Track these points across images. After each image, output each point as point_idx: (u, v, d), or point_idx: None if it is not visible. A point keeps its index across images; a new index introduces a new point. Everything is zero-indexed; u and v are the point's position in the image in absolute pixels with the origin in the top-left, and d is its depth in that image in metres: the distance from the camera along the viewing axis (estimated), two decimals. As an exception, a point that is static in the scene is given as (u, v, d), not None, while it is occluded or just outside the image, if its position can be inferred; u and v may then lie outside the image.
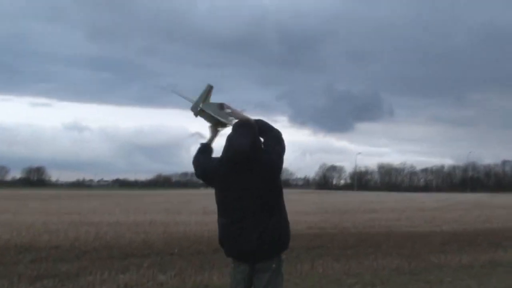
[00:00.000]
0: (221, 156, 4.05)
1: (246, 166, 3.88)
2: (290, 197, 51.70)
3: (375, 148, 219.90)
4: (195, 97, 4.49)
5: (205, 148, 4.41)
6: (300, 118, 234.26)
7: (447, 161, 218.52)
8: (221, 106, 4.53)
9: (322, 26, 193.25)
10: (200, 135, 4.85)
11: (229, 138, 3.99)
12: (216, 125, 4.53)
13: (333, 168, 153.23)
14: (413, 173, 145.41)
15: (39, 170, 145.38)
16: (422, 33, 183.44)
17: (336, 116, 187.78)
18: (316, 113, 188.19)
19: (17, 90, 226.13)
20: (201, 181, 4.34)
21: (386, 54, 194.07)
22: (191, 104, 4.47)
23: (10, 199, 43.02)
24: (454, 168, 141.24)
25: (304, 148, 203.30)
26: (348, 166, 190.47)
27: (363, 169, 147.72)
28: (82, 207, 29.66)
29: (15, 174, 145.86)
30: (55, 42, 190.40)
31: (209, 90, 4.43)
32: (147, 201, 40.07)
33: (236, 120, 4.37)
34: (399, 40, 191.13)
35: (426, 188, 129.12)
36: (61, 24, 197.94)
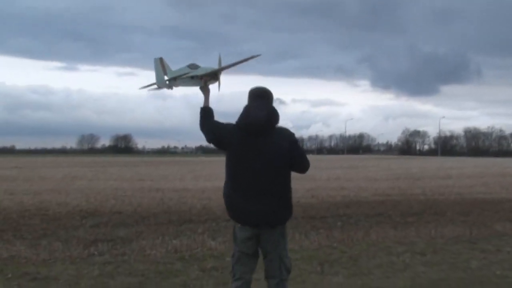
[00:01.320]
0: (237, 122, 4.12)
1: (261, 137, 4.02)
2: (365, 163, 51.96)
3: (461, 112, 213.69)
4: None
5: (207, 111, 4.45)
6: (382, 82, 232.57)
7: None
8: (193, 66, 4.67)
9: None
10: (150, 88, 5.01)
11: (246, 108, 4.12)
12: (203, 84, 4.59)
13: (416, 133, 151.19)
14: (502, 137, 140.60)
15: (126, 138, 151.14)
16: None
17: (420, 79, 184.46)
18: (399, 77, 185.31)
19: (103, 61, 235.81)
20: (212, 146, 4.39)
21: (474, 11, 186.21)
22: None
23: (92, 166, 44.93)
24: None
25: (387, 113, 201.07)
26: (432, 131, 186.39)
27: (448, 133, 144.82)
28: (157, 174, 30.52)
29: (105, 141, 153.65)
30: (136, 13, 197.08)
31: (160, 62, 4.53)
32: (223, 167, 40.86)
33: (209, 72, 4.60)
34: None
35: None
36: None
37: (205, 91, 4.64)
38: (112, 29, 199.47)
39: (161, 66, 4.54)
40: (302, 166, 4.25)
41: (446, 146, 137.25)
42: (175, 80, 4.59)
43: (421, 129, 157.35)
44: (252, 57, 4.70)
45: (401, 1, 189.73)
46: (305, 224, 10.41)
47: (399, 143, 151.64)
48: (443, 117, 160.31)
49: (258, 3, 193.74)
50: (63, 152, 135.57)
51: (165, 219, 11.25)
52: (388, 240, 8.88)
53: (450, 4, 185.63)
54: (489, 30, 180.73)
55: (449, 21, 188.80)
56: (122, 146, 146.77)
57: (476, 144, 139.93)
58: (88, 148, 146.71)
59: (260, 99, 4.15)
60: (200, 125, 4.41)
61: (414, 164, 50.51)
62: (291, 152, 4.10)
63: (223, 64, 4.86)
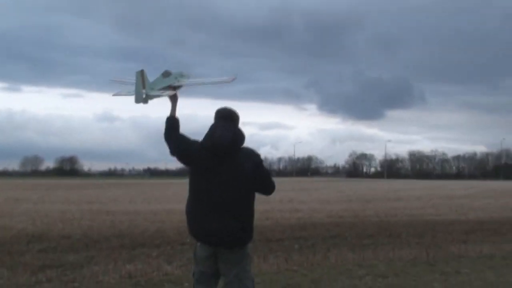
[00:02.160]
0: (202, 141, 4.11)
1: (226, 158, 4.02)
2: (315, 185, 52.41)
3: (406, 136, 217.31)
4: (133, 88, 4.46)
5: (173, 122, 4.37)
6: (329, 106, 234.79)
7: (480, 148, 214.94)
8: (166, 73, 4.58)
9: (350, 12, 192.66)
10: (121, 82, 4.90)
11: (212, 129, 4.10)
12: (171, 93, 4.49)
13: (363, 156, 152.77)
14: (444, 161, 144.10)
15: (71, 160, 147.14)
16: (454, 17, 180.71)
17: (366, 104, 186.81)
18: (345, 101, 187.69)
19: (49, 82, 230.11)
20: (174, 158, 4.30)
21: (417, 39, 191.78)
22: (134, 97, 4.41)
23: (36, 188, 43.60)
24: (487, 155, 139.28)
25: (334, 136, 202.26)
26: (378, 154, 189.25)
27: (393, 157, 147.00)
28: (105, 196, 29.80)
29: (49, 164, 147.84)
30: (84, 35, 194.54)
31: (141, 75, 4.38)
32: (173, 190, 40.12)
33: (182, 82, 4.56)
34: (430, 24, 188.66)
35: (458, 176, 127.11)
36: (89, 17, 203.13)
37: (173, 99, 4.52)
38: (58, 50, 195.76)
39: (141, 79, 4.37)
40: (267, 188, 4.23)
41: (392, 168, 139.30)
42: (151, 95, 4.45)
43: (367, 152, 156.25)
44: (228, 81, 4.63)
45: (347, 28, 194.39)
46: (263, 247, 10.18)
47: (347, 166, 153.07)
48: (389, 140, 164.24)
49: (206, 28, 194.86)
50: (4, 174, 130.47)
51: (117, 243, 10.81)
52: (348, 263, 8.75)
53: (394, 32, 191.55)
54: (432, 57, 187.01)
55: (393, 48, 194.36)
56: (67, 168, 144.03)
57: (421, 167, 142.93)
58: (31, 171, 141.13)
59: (226, 120, 4.15)
60: (166, 135, 4.32)
61: (363, 186, 51.21)
62: (255, 173, 4.07)
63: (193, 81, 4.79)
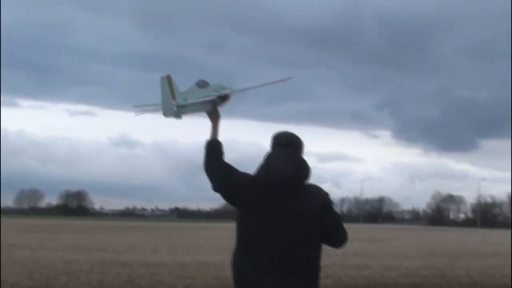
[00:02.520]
0: (255, 175, 4.06)
1: (286, 198, 3.93)
2: (388, 235, 51.10)
3: (505, 173, 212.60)
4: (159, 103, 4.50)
5: (215, 147, 4.37)
6: (407, 133, 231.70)
7: None
8: (202, 83, 4.58)
9: (436, 12, 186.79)
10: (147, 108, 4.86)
11: (268, 159, 4.06)
12: (212, 108, 4.48)
13: (450, 198, 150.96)
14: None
15: (79, 195, 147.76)
16: None
17: (455, 131, 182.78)
18: (427, 127, 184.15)
19: (52, 95, 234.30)
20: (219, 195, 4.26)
21: None
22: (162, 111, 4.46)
23: (35, 230, 43.98)
24: None
25: (413, 172, 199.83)
26: (470, 196, 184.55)
27: (489, 200, 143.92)
28: (121, 243, 29.84)
29: (51, 199, 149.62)
30: (97, 36, 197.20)
31: (168, 81, 4.41)
32: (207, 236, 40.05)
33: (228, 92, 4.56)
34: None
35: None
36: (104, 13, 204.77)
37: (214, 117, 4.51)
38: (65, 54, 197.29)
39: (169, 87, 4.38)
40: (336, 238, 4.13)
41: (486, 215, 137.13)
42: (185, 106, 4.44)
43: (455, 193, 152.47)
44: (281, 80, 4.68)
45: (432, 34, 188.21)
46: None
47: (429, 211, 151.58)
48: (484, 179, 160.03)
49: (252, 28, 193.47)
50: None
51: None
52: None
53: (493, 40, 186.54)
54: None
55: (491, 60, 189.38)
56: (73, 206, 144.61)
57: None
58: (29, 208, 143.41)
59: (287, 147, 4.10)
60: (206, 164, 4.31)
61: (450, 237, 49.90)
62: (322, 217, 3.97)
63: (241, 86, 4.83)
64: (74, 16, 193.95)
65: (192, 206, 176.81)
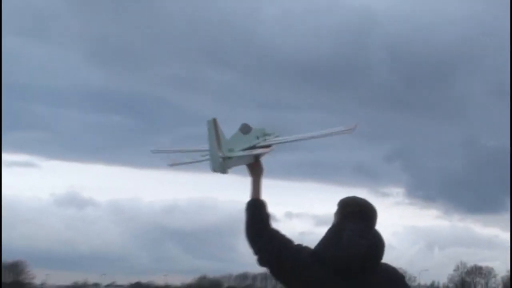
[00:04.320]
0: (317, 250, 3.91)
1: (359, 281, 3.81)
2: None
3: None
4: (201, 151, 4.67)
5: (260, 208, 4.23)
6: (423, 191, 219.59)
7: None
8: (245, 128, 4.63)
9: (461, 47, 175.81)
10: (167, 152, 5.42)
11: (337, 232, 3.91)
12: (255, 159, 4.47)
13: (477, 270, 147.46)
14: None
15: (15, 267, 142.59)
16: None
17: (482, 189, 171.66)
18: (448, 183, 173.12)
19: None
20: (267, 271, 4.21)
21: None
22: (207, 164, 4.50)
23: None
24: None
25: (431, 239, 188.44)
26: (501, 267, 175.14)
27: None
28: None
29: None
30: (42, 68, 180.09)
31: (214, 125, 4.32)
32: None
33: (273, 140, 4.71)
34: None
35: None
36: (52, 41, 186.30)
37: (257, 171, 4.38)
38: (3, 92, 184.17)
39: (215, 134, 4.29)
40: None
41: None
42: (231, 158, 4.35)
43: (484, 264, 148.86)
44: (344, 132, 4.71)
45: (456, 73, 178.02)
46: None
47: (451, 285, 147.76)
48: None
49: (233, 63, 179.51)
50: None
51: None
52: None
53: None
54: None
55: None
56: (9, 280, 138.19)
57: None
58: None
59: (360, 219, 3.90)
60: (250, 232, 4.14)
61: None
62: None
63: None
64: (12, 45, 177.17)
65: (159, 280, 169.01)
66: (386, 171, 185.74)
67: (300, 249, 3.94)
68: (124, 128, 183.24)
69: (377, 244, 3.87)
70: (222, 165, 4.26)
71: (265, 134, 4.68)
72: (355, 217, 3.88)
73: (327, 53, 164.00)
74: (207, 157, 4.41)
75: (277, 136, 4.69)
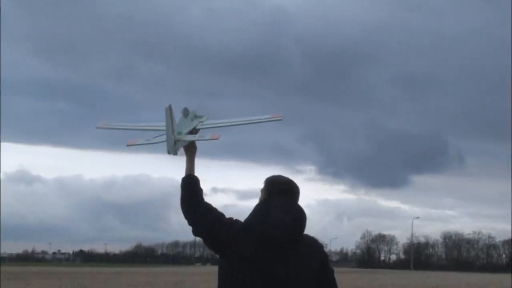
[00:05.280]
0: (248, 223, 3.87)
1: (286, 252, 3.82)
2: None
3: (438, 211, 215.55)
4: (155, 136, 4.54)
5: (195, 183, 4.18)
6: (332, 168, 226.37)
7: None
8: (186, 112, 4.57)
9: (364, 41, 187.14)
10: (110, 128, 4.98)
11: (264, 208, 3.89)
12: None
13: (380, 238, 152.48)
14: (491, 246, 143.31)
15: None
16: (503, 52, 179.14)
17: (384, 166, 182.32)
18: (355, 161, 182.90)
19: None
20: (198, 240, 4.23)
21: (452, 79, 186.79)
22: (143, 145, 4.62)
23: None
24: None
25: (340, 210, 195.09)
26: (401, 235, 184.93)
27: (422, 239, 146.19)
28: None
29: None
30: None
31: (170, 113, 4.35)
32: (123, 283, 39.21)
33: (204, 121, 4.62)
34: (469, 60, 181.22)
35: (510, 267, 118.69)
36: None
37: (192, 149, 4.38)
38: None
39: (171, 120, 4.29)
40: None
41: (419, 256, 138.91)
42: (180, 141, 4.38)
43: (386, 232, 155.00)
44: (272, 120, 4.79)
45: (359, 64, 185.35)
46: None
47: (358, 251, 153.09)
48: (417, 217, 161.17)
49: (164, 55, 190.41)
50: None
51: None
52: None
53: (424, 71, 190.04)
54: (474, 104, 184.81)
55: (422, 92, 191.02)
56: None
57: (459, 255, 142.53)
58: None
59: (286, 196, 3.98)
60: (186, 203, 4.09)
61: (386, 280, 50.17)
62: (320, 274, 3.96)
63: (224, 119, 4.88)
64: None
65: (99, 248, 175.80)
66: (300, 151, 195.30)
67: (233, 222, 3.91)
68: (68, 114, 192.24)
69: (301, 218, 3.86)
70: (174, 148, 4.27)
71: (196, 116, 4.62)
72: (281, 194, 3.97)
73: (245, 48, 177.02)
74: (159, 138, 4.42)
75: (207, 119, 4.66)
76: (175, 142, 4.31)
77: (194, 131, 4.54)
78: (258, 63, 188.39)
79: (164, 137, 4.35)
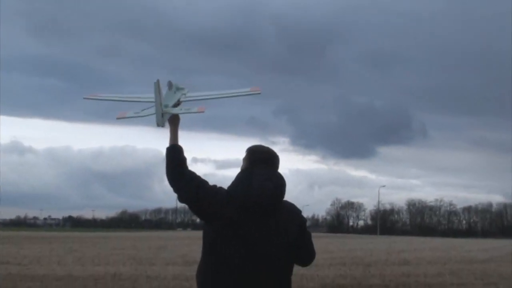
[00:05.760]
0: (231, 191, 3.86)
1: (267, 218, 3.81)
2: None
3: (403, 180, 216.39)
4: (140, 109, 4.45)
5: (179, 153, 4.09)
6: (305, 140, 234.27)
7: (496, 198, 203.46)
8: (170, 84, 4.54)
9: (334, 21, 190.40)
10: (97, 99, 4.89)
11: (247, 176, 3.89)
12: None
13: (349, 205, 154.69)
14: (452, 213, 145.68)
15: None
16: (464, 30, 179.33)
17: (353, 138, 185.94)
18: (326, 133, 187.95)
19: None
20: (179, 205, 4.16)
21: (417, 57, 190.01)
22: (129, 119, 4.49)
23: None
24: (505, 206, 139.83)
25: (311, 179, 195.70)
26: (369, 203, 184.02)
27: (388, 206, 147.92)
28: (23, 254, 28.93)
29: None
30: None
31: (158, 86, 4.24)
32: (109, 246, 39.38)
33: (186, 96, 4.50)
34: (433, 39, 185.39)
35: (470, 232, 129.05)
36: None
37: (175, 120, 4.29)
38: None
39: (159, 94, 4.23)
40: (308, 258, 4.11)
41: (385, 222, 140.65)
42: (166, 114, 4.31)
43: (355, 200, 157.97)
44: (251, 93, 4.67)
45: (331, 41, 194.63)
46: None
47: (328, 218, 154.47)
48: (383, 186, 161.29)
49: (147, 34, 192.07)
50: None
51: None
52: None
53: (390, 48, 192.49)
54: (437, 80, 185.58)
55: (388, 68, 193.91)
56: None
57: (422, 221, 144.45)
58: None
59: (266, 164, 3.97)
60: (171, 172, 4.02)
61: (354, 245, 50.81)
62: (299, 238, 3.95)
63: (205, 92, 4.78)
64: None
65: (87, 214, 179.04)
66: (274, 124, 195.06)
67: (217, 189, 3.90)
68: (58, 89, 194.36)
69: (282, 184, 3.88)
70: (162, 120, 4.23)
71: (178, 88, 4.61)
72: (262, 162, 3.94)
73: (223, 27, 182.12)
74: (148, 111, 4.36)
75: (188, 91, 4.63)
76: (162, 114, 4.24)
77: (178, 104, 4.46)
78: (235, 41, 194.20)
79: (152, 110, 4.28)
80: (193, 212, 3.99)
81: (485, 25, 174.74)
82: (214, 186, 3.94)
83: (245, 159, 4.08)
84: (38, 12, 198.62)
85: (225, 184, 3.93)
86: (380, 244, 54.11)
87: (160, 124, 4.22)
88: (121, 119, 4.58)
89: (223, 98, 4.70)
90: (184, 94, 4.58)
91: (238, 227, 3.76)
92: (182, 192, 3.94)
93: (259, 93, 4.65)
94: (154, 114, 4.24)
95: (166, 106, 4.31)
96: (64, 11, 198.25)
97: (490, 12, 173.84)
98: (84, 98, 5.03)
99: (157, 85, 4.21)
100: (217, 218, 3.81)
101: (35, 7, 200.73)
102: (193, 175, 3.97)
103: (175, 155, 4.05)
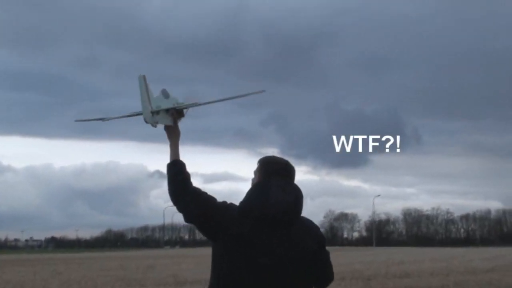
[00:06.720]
0: (244, 207, 3.72)
1: (284, 233, 3.68)
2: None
3: (397, 189, 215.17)
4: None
5: (181, 168, 4.01)
6: (295, 150, 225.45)
7: (495, 204, 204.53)
8: (166, 93, 4.40)
9: (323, 24, 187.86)
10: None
11: (264, 189, 3.74)
12: (173, 122, 4.30)
13: (343, 217, 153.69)
14: (450, 221, 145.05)
15: None
16: (457, 33, 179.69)
17: (343, 146, 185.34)
18: (316, 142, 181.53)
19: None
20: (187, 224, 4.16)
21: (410, 61, 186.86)
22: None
23: None
24: (504, 213, 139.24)
25: (303, 191, 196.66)
26: (363, 213, 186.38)
27: (383, 216, 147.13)
28: (5, 279, 28.65)
29: None
30: None
31: (144, 81, 4.23)
32: (95, 268, 39.08)
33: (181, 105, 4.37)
34: (426, 43, 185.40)
35: (468, 240, 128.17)
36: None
37: (175, 133, 4.24)
38: None
39: (145, 89, 4.17)
40: (326, 278, 3.95)
41: (381, 233, 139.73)
42: (158, 114, 4.22)
43: (348, 211, 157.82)
44: (254, 93, 4.71)
45: (318, 48, 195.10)
46: None
47: (322, 230, 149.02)
48: (378, 195, 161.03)
49: (127, 43, 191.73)
50: None
51: None
52: None
53: (379, 51, 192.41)
54: (430, 83, 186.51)
55: (379, 72, 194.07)
56: None
57: (418, 230, 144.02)
58: None
59: (282, 177, 3.83)
60: (174, 190, 3.93)
61: (352, 257, 50.65)
62: (316, 256, 3.79)
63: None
64: None
65: (71, 234, 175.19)
66: (263, 134, 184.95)
67: (227, 205, 3.78)
68: (35, 104, 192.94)
69: (301, 197, 3.78)
70: (152, 118, 4.13)
71: (178, 103, 4.47)
72: (278, 174, 3.81)
73: (207, 34, 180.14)
74: (133, 112, 4.34)
75: (182, 102, 4.51)
76: (152, 113, 4.17)
77: (175, 113, 4.39)
78: (221, 48, 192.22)
79: (139, 110, 4.22)
80: (201, 231, 3.85)
81: (477, 27, 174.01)
82: (224, 202, 3.83)
83: (257, 171, 3.95)
84: (11, 22, 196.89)
85: (217, 197, 3.88)
86: (378, 256, 53.96)
87: (148, 120, 4.16)
88: (109, 120, 4.67)
89: (225, 101, 4.77)
90: (177, 103, 4.46)
91: (251, 240, 3.63)
92: (188, 211, 3.84)
93: (264, 91, 4.71)
94: (141, 113, 4.20)
95: (158, 107, 4.23)
96: (38, 21, 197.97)
97: (483, 13, 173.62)
98: (75, 121, 5.16)
99: (142, 79, 4.17)
100: (228, 235, 3.66)
101: (7, 17, 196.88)
102: (199, 191, 3.88)
103: (177, 170, 3.99)
